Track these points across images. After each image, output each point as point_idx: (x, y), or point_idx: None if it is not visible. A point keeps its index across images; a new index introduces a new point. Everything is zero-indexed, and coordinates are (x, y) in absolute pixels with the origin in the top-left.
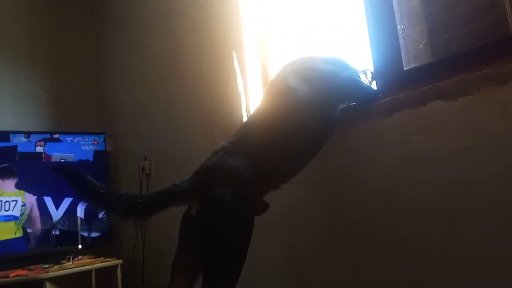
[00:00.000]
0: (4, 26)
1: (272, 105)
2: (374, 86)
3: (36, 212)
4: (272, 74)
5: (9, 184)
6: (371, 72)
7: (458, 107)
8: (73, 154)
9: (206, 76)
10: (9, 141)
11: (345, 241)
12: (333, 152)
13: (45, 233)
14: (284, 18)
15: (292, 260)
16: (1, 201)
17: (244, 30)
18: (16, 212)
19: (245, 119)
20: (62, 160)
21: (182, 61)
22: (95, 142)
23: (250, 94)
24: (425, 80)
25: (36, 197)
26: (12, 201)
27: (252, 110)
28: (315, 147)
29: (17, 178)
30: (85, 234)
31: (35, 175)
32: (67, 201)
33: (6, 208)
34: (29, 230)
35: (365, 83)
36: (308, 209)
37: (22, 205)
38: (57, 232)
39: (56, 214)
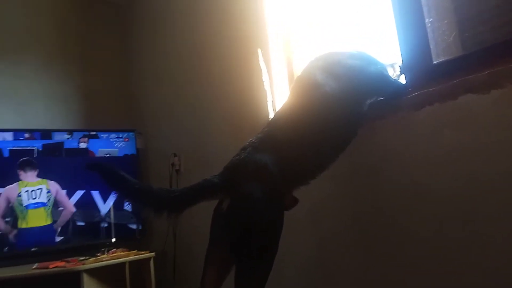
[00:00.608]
0: (38, 29)
1: (299, 101)
2: (402, 80)
3: (61, 196)
4: (298, 70)
5: (31, 175)
6: (399, 66)
7: (490, 101)
8: (117, 149)
9: (232, 74)
10: (51, 139)
11: (373, 237)
12: (362, 148)
13: (90, 226)
14: (309, 13)
15: (319, 255)
16: (28, 191)
17: (269, 27)
18: (43, 198)
19: (271, 116)
20: (107, 155)
21: (208, 59)
22: (126, 140)
23: (276, 91)
24: (455, 73)
25: (57, 184)
26: (37, 189)
27: (278, 107)
28: (343, 143)
29: (38, 169)
30: (120, 227)
31: (81, 170)
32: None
33: (33, 197)
34: (59, 213)
35: (393, 77)
36: (336, 205)
37: (47, 192)
38: (105, 225)
39: (104, 207)
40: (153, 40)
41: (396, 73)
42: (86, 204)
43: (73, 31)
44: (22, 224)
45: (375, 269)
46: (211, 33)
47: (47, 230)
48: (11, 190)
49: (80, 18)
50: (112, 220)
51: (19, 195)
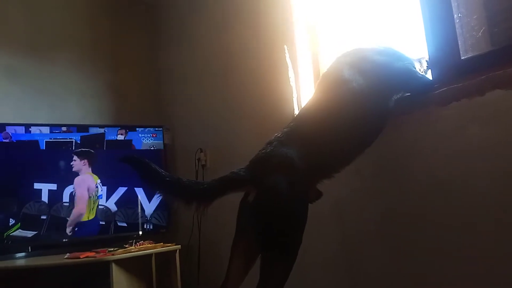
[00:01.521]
0: (71, 28)
1: (326, 96)
2: (429, 76)
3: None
4: (324, 67)
5: (88, 168)
6: (426, 61)
7: None
8: (161, 141)
9: (258, 70)
10: (88, 132)
11: (397, 233)
12: (387, 143)
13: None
14: (336, 9)
15: (343, 250)
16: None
17: (296, 24)
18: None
19: (296, 112)
20: (153, 148)
21: (234, 56)
22: (154, 135)
23: (301, 87)
24: (483, 69)
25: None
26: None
27: (303, 103)
28: (369, 138)
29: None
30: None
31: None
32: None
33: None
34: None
35: (420, 72)
36: (360, 200)
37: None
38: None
39: (149, 207)
40: (181, 38)
41: (423, 67)
42: (128, 202)
43: (104, 30)
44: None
45: (399, 266)
46: (238, 30)
47: (93, 223)
48: (88, 180)
49: (111, 17)
50: (140, 214)
51: (96, 186)
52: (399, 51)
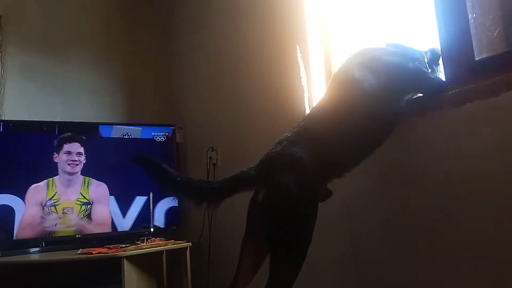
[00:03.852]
0: (86, 27)
1: (337, 96)
2: (442, 76)
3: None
4: (336, 66)
5: None
6: (439, 54)
7: None
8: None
9: (270, 70)
10: (98, 132)
11: (407, 234)
12: (399, 144)
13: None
14: (348, 9)
15: (352, 250)
16: None
17: (308, 24)
18: None
19: (307, 112)
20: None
21: (246, 56)
22: (166, 134)
23: (313, 87)
24: (498, 70)
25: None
26: None
27: (314, 103)
28: (379, 138)
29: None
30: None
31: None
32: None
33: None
34: None
35: (430, 63)
36: (370, 200)
37: None
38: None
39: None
40: (193, 38)
41: (434, 59)
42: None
43: (118, 30)
44: None
45: (407, 266)
46: (250, 30)
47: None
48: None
49: (125, 17)
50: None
51: None
52: (410, 48)
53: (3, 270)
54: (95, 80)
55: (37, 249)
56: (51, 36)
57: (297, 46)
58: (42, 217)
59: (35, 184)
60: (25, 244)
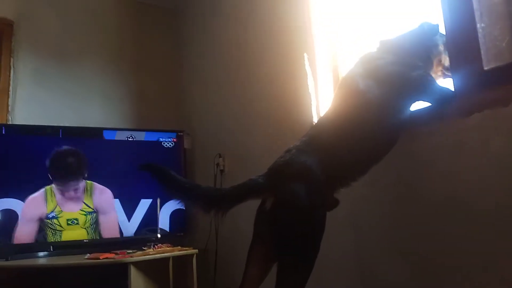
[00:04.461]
0: (98, 34)
1: (342, 106)
2: (450, 86)
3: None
4: (343, 75)
5: None
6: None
7: None
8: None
9: (278, 78)
10: (102, 137)
11: (413, 244)
12: (406, 154)
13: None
14: (355, 17)
15: (358, 259)
16: None
17: (315, 32)
18: None
19: (315, 120)
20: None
21: (254, 63)
22: (174, 140)
23: (320, 95)
24: (507, 80)
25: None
26: None
27: (322, 111)
28: (385, 148)
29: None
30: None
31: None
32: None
33: None
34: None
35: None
36: (376, 210)
37: None
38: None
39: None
40: (202, 45)
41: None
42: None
43: (128, 36)
44: None
45: (412, 276)
46: (258, 38)
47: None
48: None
49: (136, 24)
50: (159, 218)
51: None
52: (408, 50)
53: (10, 274)
54: (106, 86)
55: (45, 253)
56: (63, 43)
57: (305, 54)
58: (38, 233)
59: (32, 196)
60: (33, 248)
